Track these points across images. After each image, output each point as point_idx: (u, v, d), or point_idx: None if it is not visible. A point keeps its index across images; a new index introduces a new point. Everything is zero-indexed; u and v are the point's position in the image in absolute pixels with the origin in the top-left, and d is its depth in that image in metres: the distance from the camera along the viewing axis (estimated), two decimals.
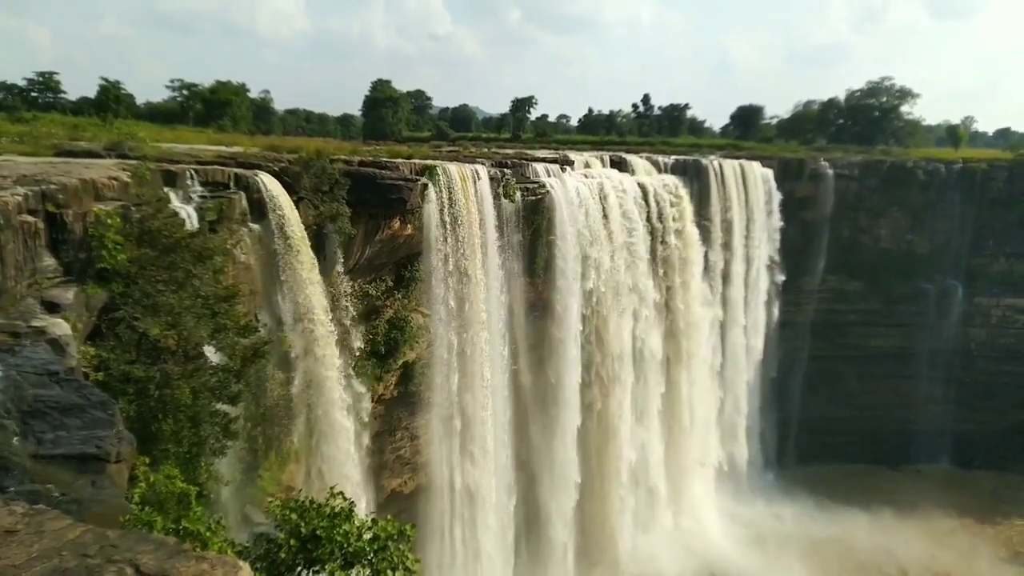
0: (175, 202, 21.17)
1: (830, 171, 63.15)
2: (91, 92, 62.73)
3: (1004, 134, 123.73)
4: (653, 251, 46.49)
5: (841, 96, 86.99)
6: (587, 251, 40.66)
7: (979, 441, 64.01)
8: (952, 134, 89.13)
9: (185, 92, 70.25)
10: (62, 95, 62.41)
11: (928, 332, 64.56)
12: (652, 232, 46.28)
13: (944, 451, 65.13)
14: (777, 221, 58.50)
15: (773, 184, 58.15)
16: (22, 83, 61.43)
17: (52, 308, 14.93)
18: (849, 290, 65.13)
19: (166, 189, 21.44)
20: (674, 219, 48.15)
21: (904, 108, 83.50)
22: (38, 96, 61.13)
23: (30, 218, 15.31)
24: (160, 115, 65.39)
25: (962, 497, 58.92)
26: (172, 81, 70.81)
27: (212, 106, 67.80)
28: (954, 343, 64.99)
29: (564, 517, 41.97)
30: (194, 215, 21.34)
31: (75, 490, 8.96)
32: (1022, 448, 62.70)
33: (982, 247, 65.00)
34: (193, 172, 22.84)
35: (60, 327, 13.90)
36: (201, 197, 22.51)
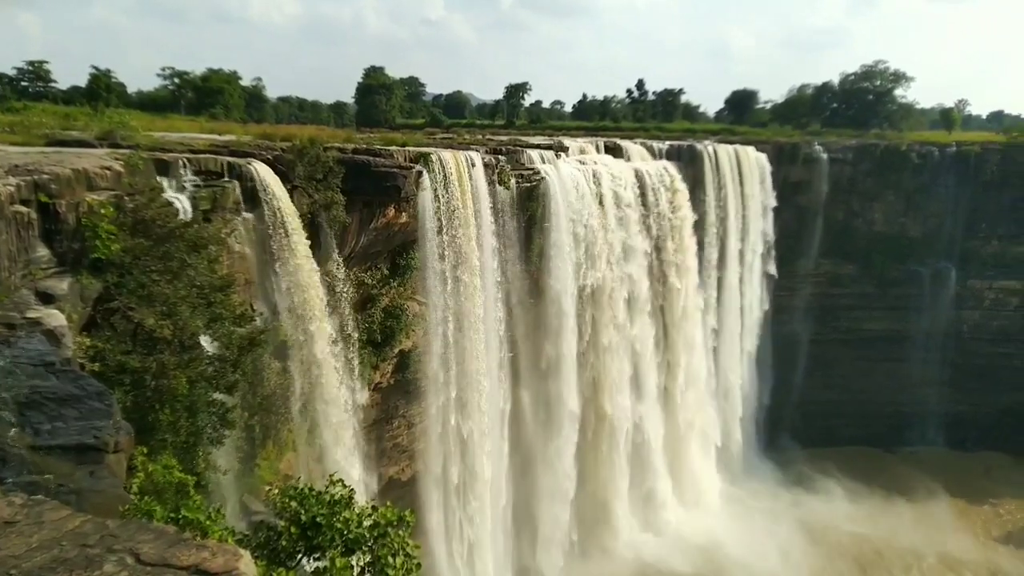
0: (168, 191, 21.05)
1: (824, 155, 63.12)
2: (82, 81, 62.28)
3: (997, 117, 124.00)
4: (648, 237, 46.47)
5: (835, 80, 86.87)
6: (582, 237, 40.64)
7: (972, 422, 64.56)
8: (946, 117, 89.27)
9: (176, 80, 69.69)
10: (52, 84, 61.92)
11: (922, 315, 64.88)
12: (647, 218, 46.25)
13: (938, 432, 65.70)
14: (772, 205, 58.55)
15: (768, 169, 58.13)
16: (12, 72, 60.94)
17: (47, 299, 14.86)
18: (843, 274, 65.38)
19: (159, 178, 21.31)
20: (669, 205, 48.11)
21: (898, 91, 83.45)
22: (28, 85, 60.63)
23: (23, 208, 15.21)
24: (152, 104, 64.85)
25: (956, 478, 59.46)
26: (163, 69, 70.15)
27: (204, 94, 67.34)
28: (947, 326, 65.37)
29: (563, 500, 42.22)
30: (188, 204, 21.22)
31: (74, 480, 8.95)
32: (1014, 429, 63.27)
33: (975, 230, 65.19)
34: (186, 161, 22.68)
35: (55, 318, 13.84)
36: (194, 186, 22.36)
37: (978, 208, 64.54)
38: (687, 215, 49.64)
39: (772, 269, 59.96)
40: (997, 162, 64.63)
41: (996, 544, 52.38)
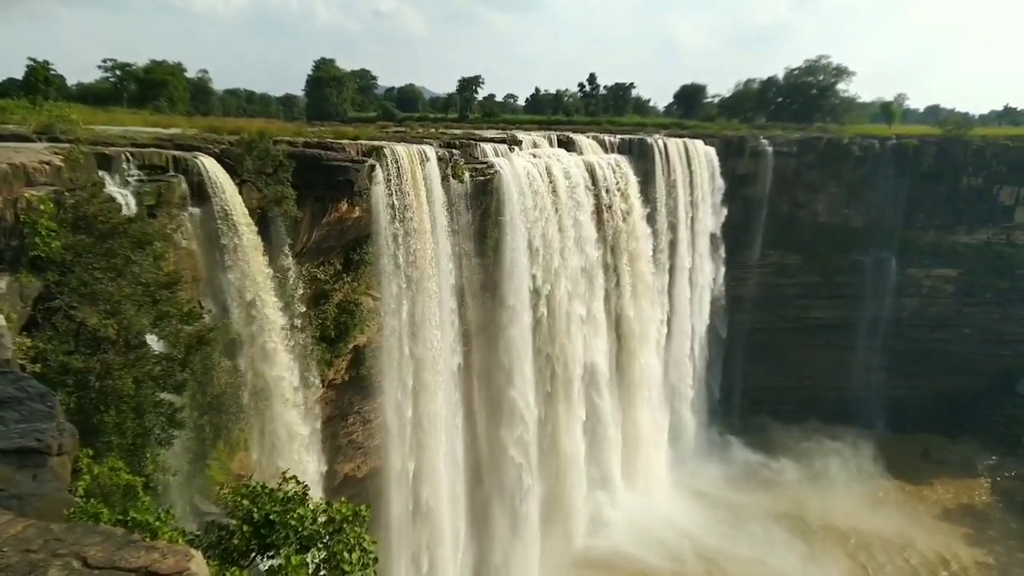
0: (111, 186, 20.51)
1: (769, 148, 64.59)
2: (18, 73, 59.57)
3: (934, 111, 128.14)
4: (601, 229, 46.98)
5: (780, 75, 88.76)
6: (536, 231, 40.83)
7: (911, 406, 67.09)
8: (886, 111, 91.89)
9: (118, 72, 67.18)
10: None
11: (864, 303, 67.13)
12: (600, 210, 46.73)
13: (879, 416, 68.05)
14: (721, 198, 59.72)
15: (716, 162, 59.26)
16: None
17: None
18: (789, 264, 67.12)
19: (101, 173, 20.74)
20: (621, 197, 48.70)
21: (840, 86, 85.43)
22: None
23: None
24: (93, 96, 62.43)
25: (896, 460, 61.71)
26: (105, 61, 67.49)
27: (147, 87, 65.13)
28: (888, 313, 67.78)
29: (519, 492, 42.48)
30: (131, 200, 20.71)
31: (15, 485, 8.72)
32: (949, 411, 66.10)
33: (913, 220, 67.67)
34: (129, 155, 22.10)
35: None
36: (138, 181, 21.84)
37: (916, 199, 66.98)
38: (638, 207, 50.34)
39: (721, 260, 61.26)
40: (934, 154, 67.19)
41: (935, 521, 54.58)
